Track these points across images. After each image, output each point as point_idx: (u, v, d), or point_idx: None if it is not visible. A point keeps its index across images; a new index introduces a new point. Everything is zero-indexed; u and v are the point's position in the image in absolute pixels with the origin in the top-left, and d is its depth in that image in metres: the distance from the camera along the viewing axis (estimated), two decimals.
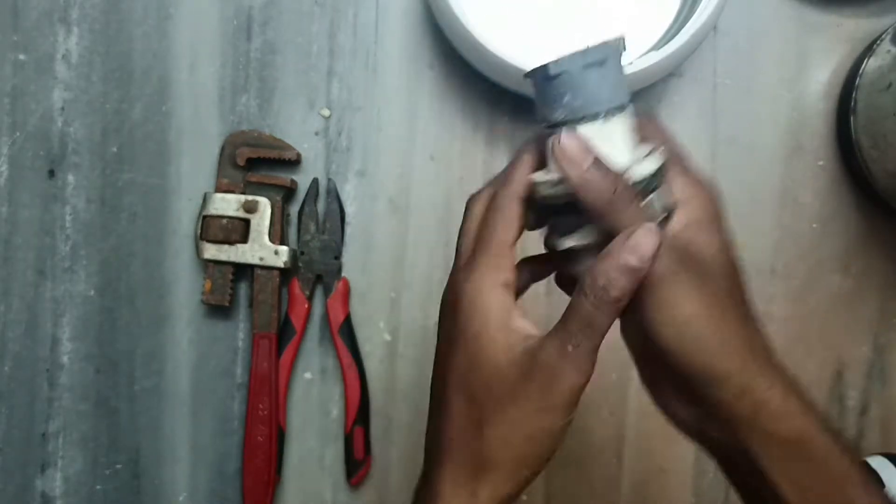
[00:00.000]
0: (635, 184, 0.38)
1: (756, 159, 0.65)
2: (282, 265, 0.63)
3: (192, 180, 0.65)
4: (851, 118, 0.61)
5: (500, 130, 0.65)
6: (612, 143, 0.38)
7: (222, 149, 0.64)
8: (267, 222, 0.63)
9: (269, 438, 0.63)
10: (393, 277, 0.65)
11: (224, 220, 0.62)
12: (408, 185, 0.65)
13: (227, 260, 0.63)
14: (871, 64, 0.60)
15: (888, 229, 0.65)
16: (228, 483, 0.65)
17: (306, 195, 0.64)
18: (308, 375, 0.65)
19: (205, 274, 0.64)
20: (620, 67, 0.39)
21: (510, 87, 0.61)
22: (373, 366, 0.65)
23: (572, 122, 0.38)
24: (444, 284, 0.41)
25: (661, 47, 0.57)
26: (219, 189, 0.63)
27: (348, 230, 0.65)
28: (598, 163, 0.37)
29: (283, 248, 0.63)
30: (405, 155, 0.65)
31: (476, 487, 0.37)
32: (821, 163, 0.65)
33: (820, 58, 0.65)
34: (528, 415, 0.35)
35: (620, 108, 0.38)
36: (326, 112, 0.65)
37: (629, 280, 0.34)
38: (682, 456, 0.65)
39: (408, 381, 0.65)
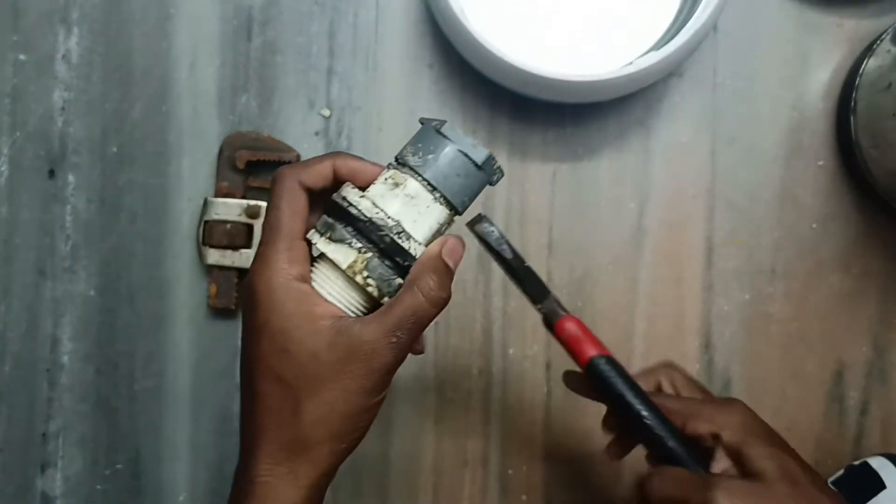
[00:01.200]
0: (396, 251, 0.40)
1: (756, 159, 0.65)
2: None
3: (192, 181, 0.65)
4: (851, 118, 0.61)
5: (500, 130, 0.65)
6: (421, 217, 0.40)
7: (220, 151, 0.63)
8: None
9: None
10: None
11: (227, 226, 0.62)
12: None
13: (231, 265, 0.63)
14: (871, 64, 0.60)
15: (888, 229, 0.65)
16: (228, 483, 0.65)
17: None
18: None
19: (209, 278, 0.64)
20: (481, 186, 0.42)
21: (510, 87, 0.61)
22: None
23: (416, 173, 0.40)
24: None
25: (661, 47, 0.57)
26: (218, 193, 0.63)
27: None
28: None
29: None
30: None
31: (294, 466, 0.38)
32: (821, 163, 0.65)
33: (820, 58, 0.65)
34: (346, 394, 0.37)
35: (449, 206, 0.41)
36: (326, 112, 0.65)
37: (449, 280, 0.40)
38: None
39: (407, 380, 0.65)
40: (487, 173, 0.41)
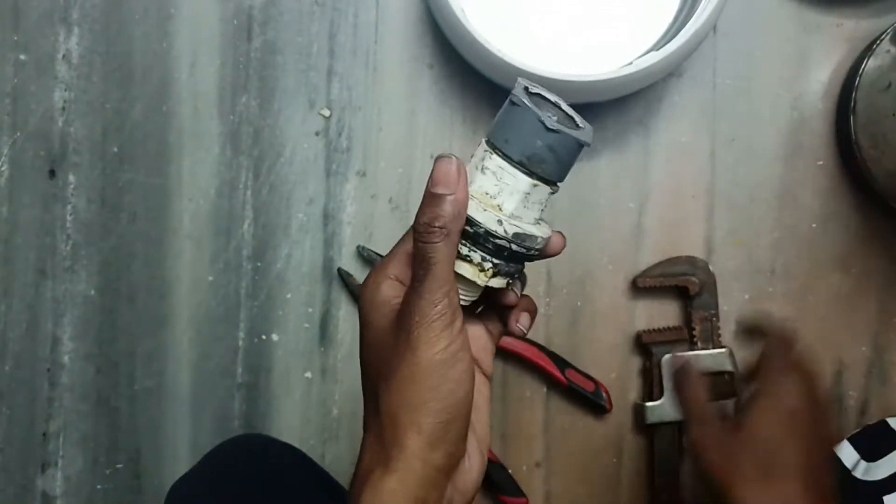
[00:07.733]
0: (493, 235, 0.37)
1: (756, 159, 0.65)
2: None
3: (192, 181, 0.65)
4: (851, 118, 0.61)
5: None
6: (512, 192, 0.38)
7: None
8: None
9: None
10: None
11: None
12: (408, 184, 0.65)
13: None
14: (870, 64, 0.60)
15: (888, 229, 0.65)
16: None
17: None
18: (308, 375, 0.65)
19: None
20: (572, 150, 0.39)
21: (510, 87, 0.60)
22: None
23: (497, 148, 0.39)
24: None
25: (661, 47, 0.57)
26: None
27: (348, 230, 0.65)
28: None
29: None
30: (405, 155, 0.65)
31: (387, 453, 0.37)
32: (821, 163, 0.65)
33: (820, 58, 0.65)
34: (399, 357, 0.36)
35: (542, 179, 0.39)
36: (326, 112, 0.65)
37: (445, 209, 0.36)
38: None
39: None
40: (573, 133, 0.38)
